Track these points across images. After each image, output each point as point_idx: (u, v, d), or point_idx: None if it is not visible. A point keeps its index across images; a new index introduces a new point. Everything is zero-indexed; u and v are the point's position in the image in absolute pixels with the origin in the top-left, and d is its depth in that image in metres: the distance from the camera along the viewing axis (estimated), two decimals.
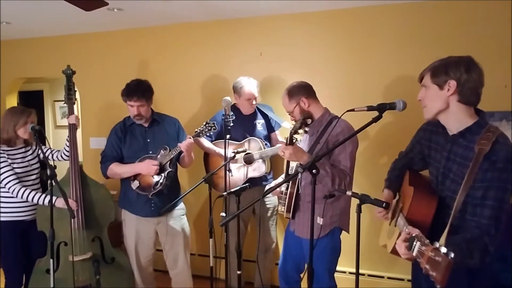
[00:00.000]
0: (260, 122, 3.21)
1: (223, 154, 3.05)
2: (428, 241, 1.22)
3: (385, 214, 1.86)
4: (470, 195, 1.44)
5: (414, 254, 1.26)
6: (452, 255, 1.11)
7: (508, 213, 1.41)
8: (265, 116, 3.24)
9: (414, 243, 1.26)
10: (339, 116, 1.88)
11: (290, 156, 2.17)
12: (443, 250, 1.12)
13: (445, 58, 1.59)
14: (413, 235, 1.29)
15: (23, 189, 2.72)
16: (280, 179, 2.70)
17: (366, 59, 3.14)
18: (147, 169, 2.70)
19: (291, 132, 2.25)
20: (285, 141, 2.29)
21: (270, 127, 3.25)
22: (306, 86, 2.37)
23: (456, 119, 1.57)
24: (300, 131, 2.32)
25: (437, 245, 1.16)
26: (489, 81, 2.45)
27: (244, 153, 3.05)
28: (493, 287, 1.53)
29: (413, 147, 1.90)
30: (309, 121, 2.28)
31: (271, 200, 3.19)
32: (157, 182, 2.73)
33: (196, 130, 2.71)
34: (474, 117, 1.56)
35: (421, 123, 1.86)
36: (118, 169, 2.77)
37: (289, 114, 2.41)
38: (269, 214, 3.23)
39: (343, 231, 2.41)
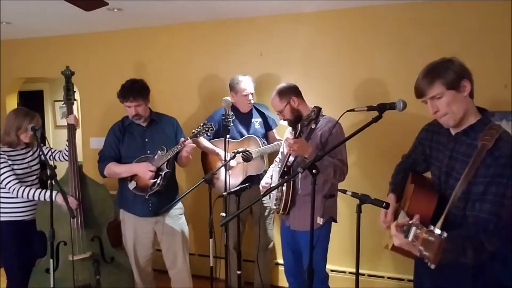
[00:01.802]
0: (257, 121, 3.22)
1: (221, 153, 3.06)
2: (424, 227, 1.24)
3: (388, 223, 1.84)
4: (471, 191, 1.44)
5: (409, 239, 1.27)
6: (445, 234, 1.14)
7: (509, 212, 1.40)
8: (262, 115, 3.24)
9: (410, 229, 1.28)
10: (339, 116, 1.89)
11: (298, 150, 2.21)
12: (437, 231, 1.16)
13: (435, 64, 1.56)
14: (410, 222, 1.30)
15: (22, 187, 2.72)
16: (268, 178, 2.70)
17: (366, 59, 3.14)
18: (143, 173, 2.70)
19: (303, 123, 2.29)
20: (282, 139, 2.31)
21: (267, 125, 3.26)
22: (294, 87, 2.52)
23: (466, 116, 1.56)
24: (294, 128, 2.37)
25: (432, 227, 1.19)
26: (489, 81, 2.45)
27: (242, 151, 3.06)
28: (494, 287, 1.53)
29: (415, 149, 1.90)
30: (322, 111, 2.34)
31: (268, 199, 3.19)
32: (154, 182, 2.73)
33: (193, 131, 2.71)
34: (478, 115, 1.56)
35: (422, 121, 1.86)
36: (116, 169, 2.77)
37: (279, 113, 2.52)
38: (266, 213, 3.23)
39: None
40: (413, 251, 1.31)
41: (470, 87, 1.52)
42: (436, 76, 1.53)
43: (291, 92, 2.47)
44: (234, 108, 3.16)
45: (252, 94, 3.12)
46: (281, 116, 2.51)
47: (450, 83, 1.51)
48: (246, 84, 3.07)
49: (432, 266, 1.16)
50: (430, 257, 1.15)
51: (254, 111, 3.23)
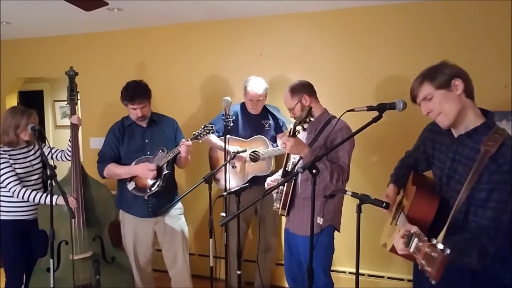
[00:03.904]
0: (268, 123, 3.21)
1: (230, 149, 3.06)
2: (426, 238, 1.23)
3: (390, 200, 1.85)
4: (474, 196, 1.44)
5: (411, 250, 1.27)
6: (448, 251, 1.13)
7: (509, 214, 1.40)
8: (273, 117, 3.24)
9: (412, 239, 1.27)
10: (339, 115, 1.89)
11: (291, 148, 2.20)
12: (440, 246, 1.14)
13: (428, 67, 1.59)
14: (412, 231, 1.29)
15: (23, 189, 2.72)
16: (277, 175, 2.70)
17: (366, 59, 3.14)
18: (144, 173, 2.70)
19: (295, 123, 2.28)
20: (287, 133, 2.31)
21: (277, 127, 3.25)
22: (308, 85, 2.44)
23: (467, 118, 1.55)
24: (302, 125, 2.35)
25: (434, 241, 1.18)
26: (489, 81, 2.45)
27: (251, 151, 3.06)
28: (494, 287, 1.53)
29: (417, 147, 1.90)
30: (314, 112, 2.30)
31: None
32: (154, 183, 2.73)
33: (194, 132, 2.71)
34: (482, 118, 1.55)
35: (422, 122, 1.86)
36: (116, 170, 2.77)
37: (290, 111, 2.46)
38: (272, 213, 3.23)
39: (335, 231, 2.43)
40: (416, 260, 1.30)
41: (462, 85, 1.51)
42: (425, 77, 1.55)
43: (304, 90, 2.39)
44: (245, 108, 3.17)
45: (258, 100, 3.08)
46: (292, 114, 2.45)
47: (439, 82, 1.52)
48: (253, 89, 3.04)
49: (433, 282, 1.15)
50: (432, 273, 1.14)
51: (265, 113, 3.22)
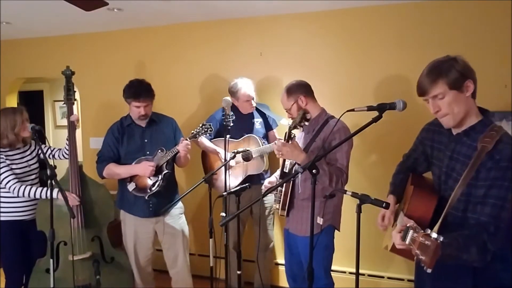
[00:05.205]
0: (258, 121, 3.22)
1: (221, 152, 3.06)
2: (422, 230, 1.25)
3: (385, 226, 1.86)
4: (472, 193, 1.44)
5: (407, 242, 1.28)
6: (441, 238, 1.15)
7: (509, 212, 1.40)
8: (262, 115, 3.24)
9: (408, 232, 1.29)
10: (339, 116, 1.89)
11: (287, 154, 2.19)
12: (434, 235, 1.17)
13: (440, 61, 1.53)
14: (408, 225, 1.30)
15: (23, 186, 2.72)
16: (274, 177, 2.69)
17: (366, 59, 3.14)
18: (143, 170, 2.70)
19: (290, 127, 2.27)
20: (283, 138, 2.29)
21: (267, 125, 3.26)
22: (305, 85, 2.42)
23: (467, 117, 1.54)
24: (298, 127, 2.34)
25: (428, 231, 1.20)
26: (489, 81, 2.45)
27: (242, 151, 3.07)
28: (494, 287, 1.53)
29: (416, 148, 1.90)
30: (308, 115, 2.30)
31: (269, 200, 3.20)
32: (154, 183, 2.73)
33: (192, 131, 2.71)
34: (479, 116, 1.55)
35: (421, 121, 1.86)
36: (116, 169, 2.77)
37: (287, 112, 2.45)
38: (266, 213, 3.23)
39: (335, 230, 2.43)
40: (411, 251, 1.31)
41: (473, 87, 1.50)
42: (440, 74, 1.49)
43: (300, 91, 2.37)
44: (234, 108, 3.16)
45: (253, 98, 3.10)
46: (289, 114, 2.44)
47: (453, 82, 1.48)
48: (247, 89, 3.05)
49: (428, 270, 1.17)
50: (426, 261, 1.17)
51: (255, 111, 3.23)
